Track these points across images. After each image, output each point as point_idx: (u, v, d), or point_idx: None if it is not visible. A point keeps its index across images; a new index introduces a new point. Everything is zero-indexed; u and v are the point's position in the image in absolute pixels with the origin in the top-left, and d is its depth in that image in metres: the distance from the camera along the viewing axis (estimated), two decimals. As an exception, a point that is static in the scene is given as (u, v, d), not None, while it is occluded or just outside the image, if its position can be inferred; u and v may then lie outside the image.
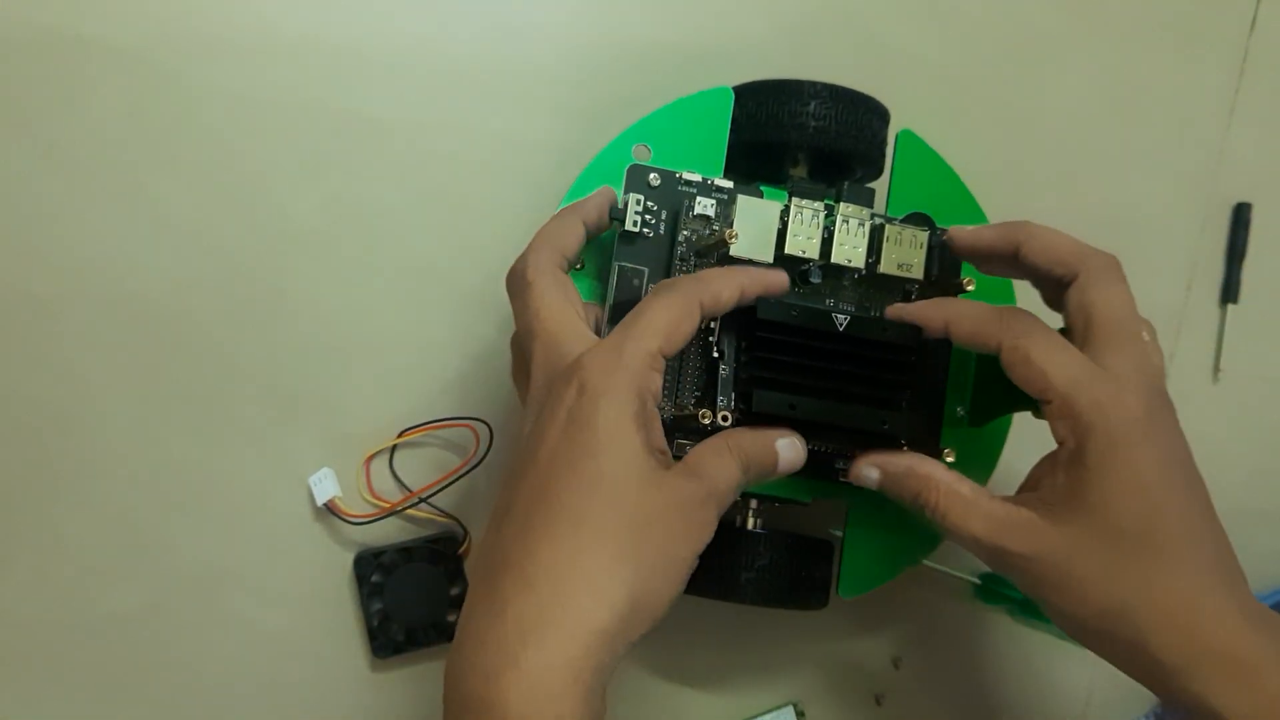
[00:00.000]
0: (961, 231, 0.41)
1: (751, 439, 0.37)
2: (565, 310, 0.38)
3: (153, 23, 0.46)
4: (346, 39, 0.47)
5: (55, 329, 0.46)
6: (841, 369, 0.39)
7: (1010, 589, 0.50)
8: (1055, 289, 0.39)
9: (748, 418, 0.39)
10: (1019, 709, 0.51)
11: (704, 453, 0.36)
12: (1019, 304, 0.45)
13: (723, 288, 0.37)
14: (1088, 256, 0.38)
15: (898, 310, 0.40)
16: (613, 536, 0.33)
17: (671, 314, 0.36)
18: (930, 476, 0.38)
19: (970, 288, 0.42)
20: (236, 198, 0.47)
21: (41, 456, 0.46)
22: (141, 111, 0.46)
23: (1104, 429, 0.35)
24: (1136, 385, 0.36)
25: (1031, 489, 0.38)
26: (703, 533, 0.35)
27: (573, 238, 0.40)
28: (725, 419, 0.39)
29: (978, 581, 0.50)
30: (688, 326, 0.36)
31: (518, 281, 0.39)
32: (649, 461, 0.34)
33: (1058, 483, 0.36)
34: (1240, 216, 0.53)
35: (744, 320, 0.39)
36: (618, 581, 0.32)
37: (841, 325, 0.39)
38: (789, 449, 0.38)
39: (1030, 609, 0.50)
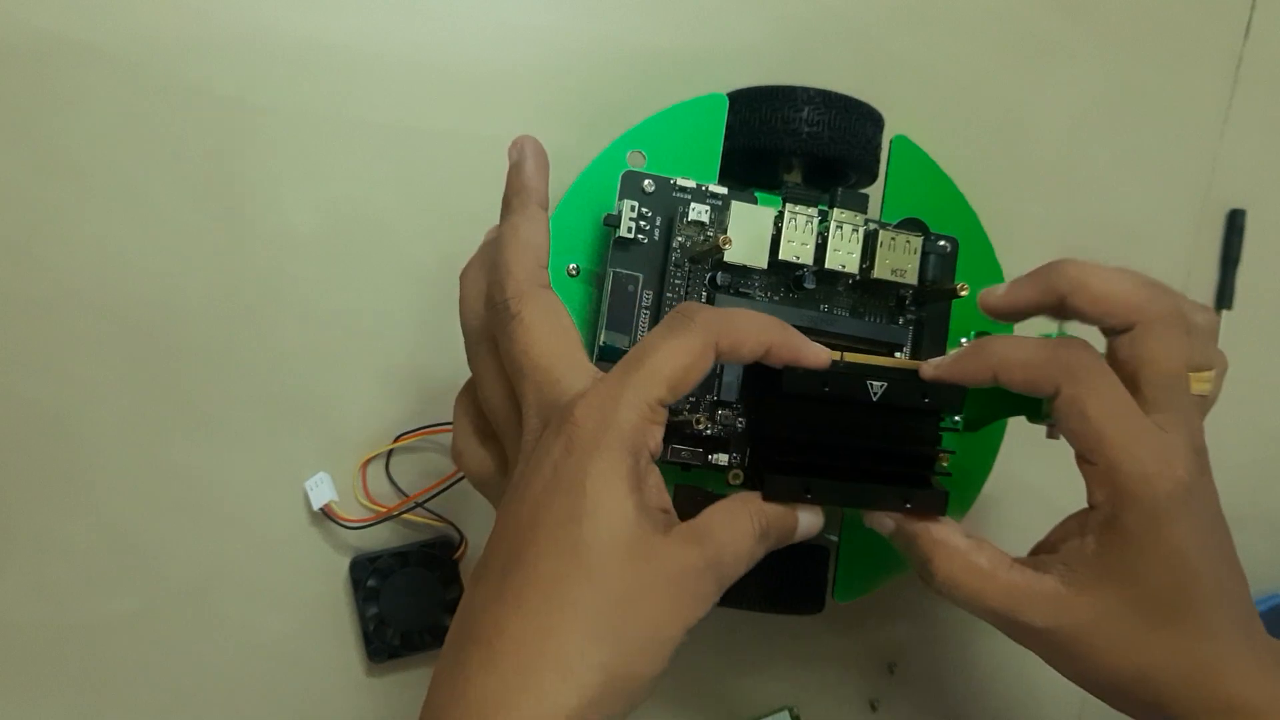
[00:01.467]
0: (992, 295, 0.37)
1: (773, 505, 0.34)
2: (559, 341, 0.33)
3: (148, 27, 0.46)
4: (343, 44, 0.48)
5: (50, 332, 0.46)
6: (868, 445, 0.36)
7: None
8: (1104, 331, 0.36)
9: (754, 485, 0.36)
10: (1013, 714, 0.51)
11: (717, 515, 0.33)
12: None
13: (746, 337, 0.33)
14: (1146, 307, 0.35)
15: (935, 371, 0.36)
16: (589, 614, 0.29)
17: (681, 360, 0.32)
18: (945, 544, 0.35)
19: (964, 293, 0.42)
20: (233, 202, 0.47)
21: (37, 460, 0.46)
22: (138, 115, 0.46)
23: (1149, 502, 0.33)
24: (1185, 453, 0.34)
25: (1050, 550, 0.36)
26: (696, 607, 0.31)
27: (542, 235, 0.35)
28: (737, 478, 0.37)
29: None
30: (697, 374, 0.32)
31: (500, 314, 0.34)
32: (640, 528, 0.30)
33: (1085, 548, 0.34)
34: (1235, 222, 0.54)
35: (768, 377, 0.36)
36: (591, 664, 0.29)
37: (876, 394, 0.35)
38: (809, 519, 0.35)
39: (1025, 614, 0.50)
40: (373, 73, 0.48)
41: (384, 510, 0.47)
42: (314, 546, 0.47)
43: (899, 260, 0.42)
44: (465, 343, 0.37)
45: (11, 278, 0.46)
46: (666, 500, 0.33)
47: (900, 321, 0.43)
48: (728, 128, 0.44)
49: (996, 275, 0.46)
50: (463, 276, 0.38)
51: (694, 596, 0.31)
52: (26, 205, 0.46)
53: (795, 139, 0.43)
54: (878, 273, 0.41)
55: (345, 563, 0.47)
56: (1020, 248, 0.50)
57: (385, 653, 0.46)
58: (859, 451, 0.36)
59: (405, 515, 0.47)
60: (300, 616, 0.47)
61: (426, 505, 0.47)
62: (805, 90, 0.43)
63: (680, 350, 0.32)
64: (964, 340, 0.44)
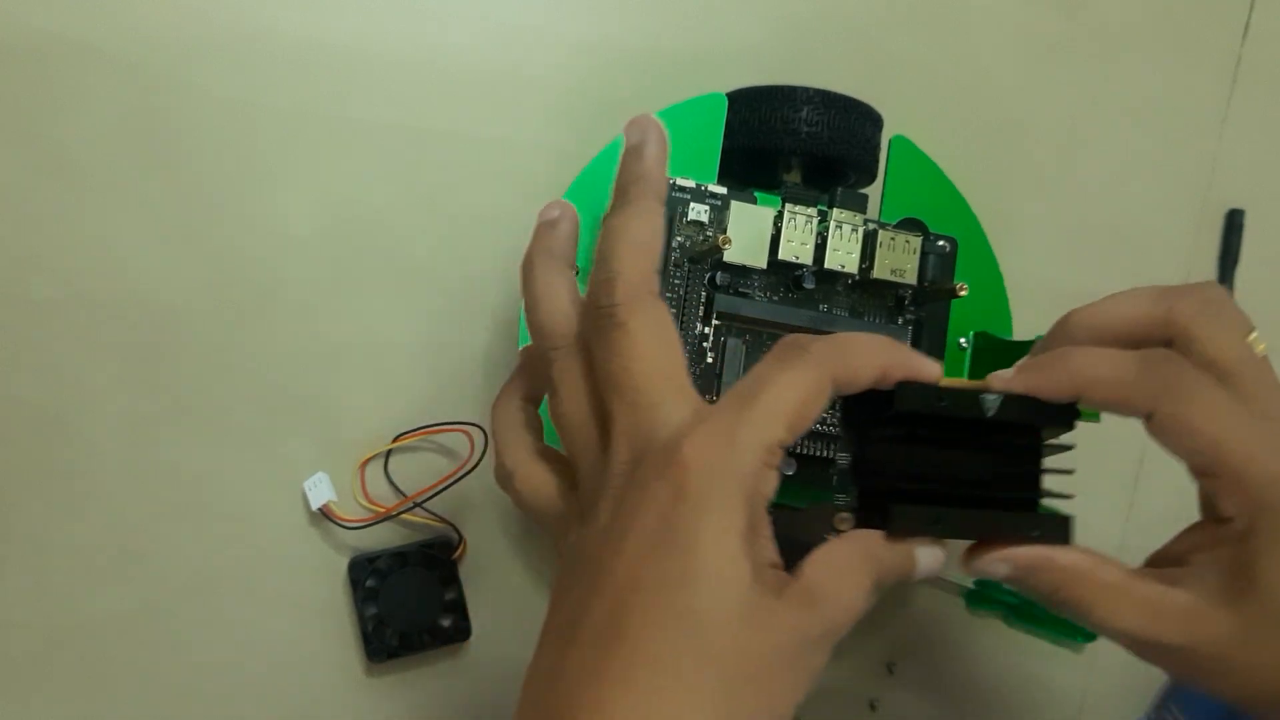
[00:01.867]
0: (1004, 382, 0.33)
1: (893, 548, 0.30)
2: (664, 361, 0.30)
3: (148, 27, 0.46)
4: (342, 44, 0.48)
5: (49, 332, 0.46)
6: (988, 466, 0.33)
7: (1004, 594, 0.50)
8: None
9: (868, 524, 0.33)
10: (1013, 713, 0.51)
11: (830, 566, 0.29)
12: (1011, 299, 0.46)
13: (863, 365, 0.30)
14: (1175, 313, 0.33)
15: (1006, 384, 0.33)
16: (705, 695, 0.26)
17: (799, 394, 0.28)
18: (1074, 569, 0.32)
19: (963, 293, 0.42)
20: (231, 202, 0.47)
21: (35, 460, 0.46)
22: (137, 115, 0.46)
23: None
24: None
25: (1175, 562, 0.33)
26: (810, 681, 0.28)
27: (660, 239, 0.31)
28: (845, 523, 0.33)
29: (971, 587, 0.50)
30: (816, 411, 0.29)
31: (603, 320, 0.30)
32: (755, 593, 0.27)
33: (1220, 560, 0.32)
34: (1233, 222, 0.54)
35: (872, 402, 0.32)
36: None
37: (991, 410, 0.32)
38: (931, 557, 0.31)
39: (1024, 614, 0.50)
40: (373, 73, 0.48)
41: (383, 510, 0.46)
42: (313, 547, 0.47)
43: (898, 260, 0.42)
44: (540, 346, 0.33)
45: (11, 278, 0.46)
46: (775, 552, 0.29)
47: (900, 321, 0.43)
48: (727, 127, 0.44)
49: (995, 275, 0.46)
50: (529, 269, 0.34)
51: (809, 670, 0.28)
52: (26, 205, 0.46)
53: (794, 139, 0.43)
54: (877, 273, 0.42)
55: (344, 563, 0.47)
56: (1019, 248, 0.50)
57: (384, 653, 0.46)
58: (978, 477, 0.33)
59: (404, 515, 0.47)
60: (299, 617, 0.47)
61: (425, 505, 0.47)
62: (804, 90, 0.43)
63: (798, 384, 0.28)
64: (963, 341, 0.44)
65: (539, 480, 0.33)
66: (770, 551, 0.29)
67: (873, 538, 0.30)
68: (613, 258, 0.31)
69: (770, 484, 0.28)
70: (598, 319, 0.30)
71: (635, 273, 0.30)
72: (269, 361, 0.47)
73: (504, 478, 0.34)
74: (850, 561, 0.29)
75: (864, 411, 0.33)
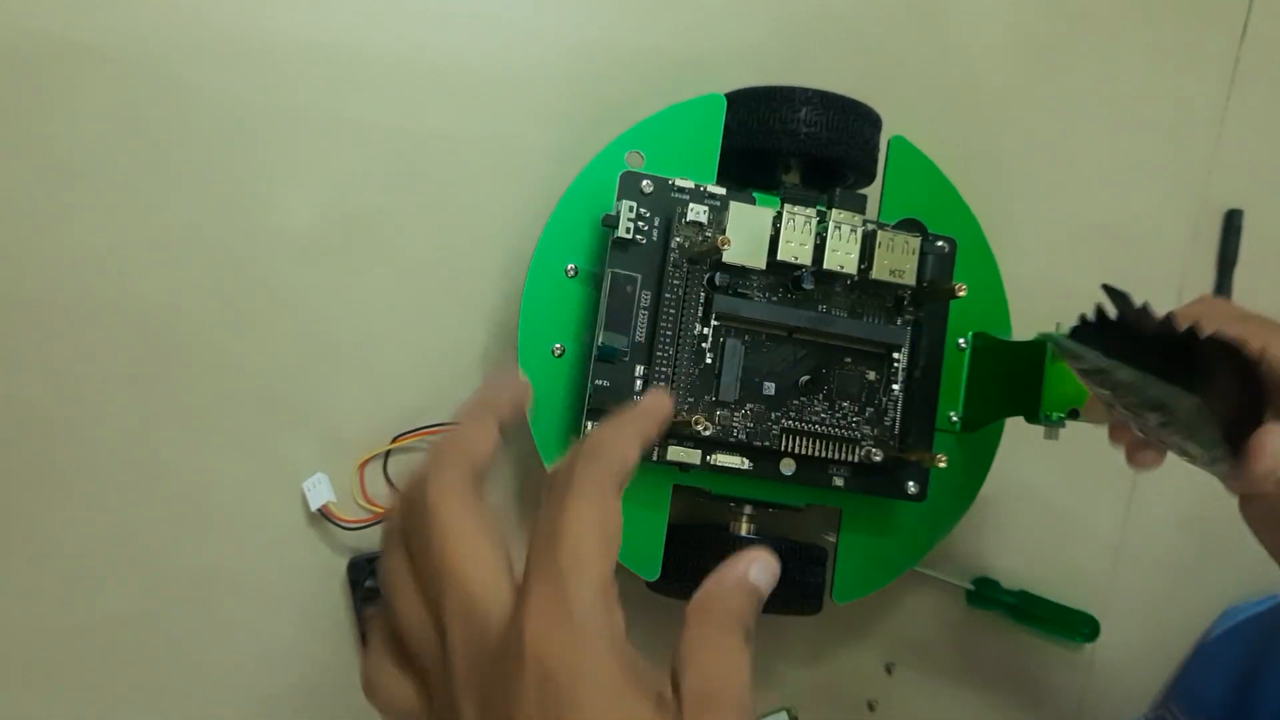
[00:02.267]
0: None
1: (734, 591, 0.28)
2: (478, 546, 0.28)
3: (147, 29, 0.46)
4: (341, 44, 0.48)
5: (50, 333, 0.46)
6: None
7: (1002, 594, 0.50)
8: None
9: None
10: (1011, 713, 0.51)
11: (712, 661, 0.27)
12: (1010, 299, 0.46)
13: (627, 454, 0.29)
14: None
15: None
16: None
17: (596, 514, 0.27)
18: None
19: (962, 293, 0.42)
20: (232, 202, 0.47)
21: (36, 461, 0.46)
22: (136, 116, 0.46)
23: None
24: None
25: None
26: None
27: (485, 443, 0.30)
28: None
29: (970, 587, 0.50)
30: (617, 517, 0.27)
31: (414, 512, 0.29)
32: None
33: None
34: (1232, 223, 0.54)
35: (1103, 327, 0.35)
36: None
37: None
38: (765, 571, 0.29)
39: (1022, 614, 0.50)
40: (372, 73, 0.48)
41: (382, 511, 0.46)
42: (312, 547, 0.47)
43: (897, 261, 0.42)
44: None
45: (10, 278, 0.46)
46: (654, 671, 0.27)
47: (899, 322, 0.43)
48: (726, 128, 0.44)
49: (994, 275, 0.46)
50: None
51: None
52: (26, 205, 0.46)
53: (793, 139, 0.43)
54: (876, 273, 0.42)
55: (343, 563, 0.47)
56: (1019, 248, 0.50)
57: (383, 653, 0.46)
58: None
59: (403, 516, 0.47)
60: (298, 617, 0.47)
61: (425, 506, 0.47)
62: (803, 91, 0.43)
63: (587, 508, 0.27)
64: (961, 341, 0.45)
65: (398, 692, 0.31)
66: (653, 677, 0.27)
67: (713, 598, 0.28)
68: (436, 457, 0.30)
69: (620, 613, 0.26)
70: (408, 512, 0.30)
71: (454, 469, 0.29)
72: (268, 362, 0.47)
73: (366, 689, 0.32)
74: (717, 641, 0.27)
75: (1103, 334, 0.36)
